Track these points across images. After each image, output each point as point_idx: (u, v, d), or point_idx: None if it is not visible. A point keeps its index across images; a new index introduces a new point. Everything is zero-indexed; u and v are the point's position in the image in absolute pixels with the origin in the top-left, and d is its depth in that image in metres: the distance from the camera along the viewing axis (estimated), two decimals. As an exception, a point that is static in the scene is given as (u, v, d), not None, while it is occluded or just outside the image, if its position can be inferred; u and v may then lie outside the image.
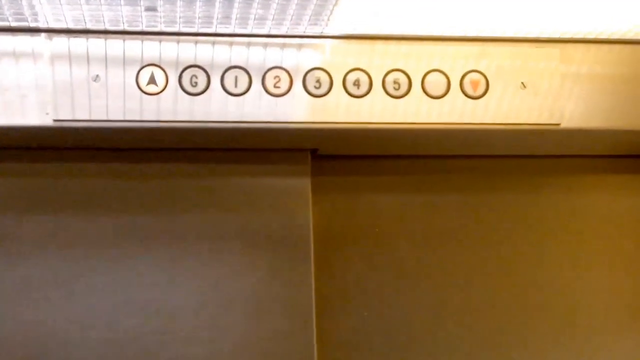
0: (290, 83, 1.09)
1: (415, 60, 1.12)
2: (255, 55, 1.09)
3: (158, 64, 1.07)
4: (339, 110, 1.10)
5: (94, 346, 1.12)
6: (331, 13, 1.05)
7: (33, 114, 1.06)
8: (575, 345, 1.25)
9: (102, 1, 0.99)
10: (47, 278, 1.13)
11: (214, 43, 1.08)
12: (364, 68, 1.11)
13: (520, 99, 1.13)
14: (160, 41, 1.07)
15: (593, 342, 1.25)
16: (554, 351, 1.25)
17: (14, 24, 1.04)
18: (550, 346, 1.25)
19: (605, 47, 1.16)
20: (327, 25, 1.08)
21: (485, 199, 1.27)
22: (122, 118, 1.06)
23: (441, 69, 1.12)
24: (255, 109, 1.09)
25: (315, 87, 1.10)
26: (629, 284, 1.28)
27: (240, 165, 1.19)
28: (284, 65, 1.09)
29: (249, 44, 1.09)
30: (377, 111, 1.11)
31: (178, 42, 1.07)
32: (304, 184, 1.19)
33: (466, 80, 1.12)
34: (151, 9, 1.01)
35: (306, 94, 1.10)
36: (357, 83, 1.10)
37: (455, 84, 1.12)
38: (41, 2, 1.00)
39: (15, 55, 1.05)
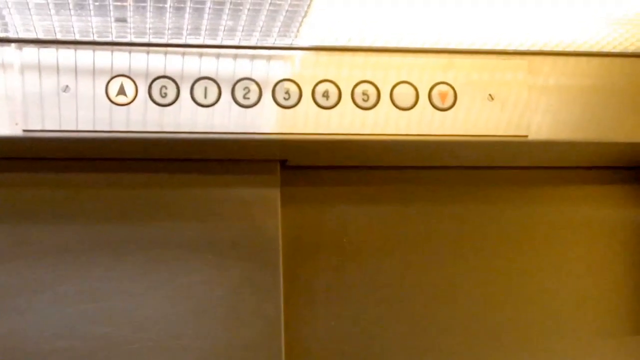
0: (259, 94, 1.09)
1: (383, 71, 1.12)
2: (225, 66, 1.09)
3: (128, 74, 1.07)
4: (308, 122, 1.10)
5: (63, 356, 1.11)
6: (300, 25, 1.05)
7: (2, 124, 1.05)
8: (554, 352, 1.27)
9: (72, 12, 0.99)
10: (15, 288, 1.13)
11: (183, 54, 1.08)
12: (333, 79, 1.11)
13: (488, 110, 1.14)
14: (130, 52, 1.07)
15: (574, 347, 1.28)
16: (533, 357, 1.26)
17: (-17, 35, 1.05)
18: (528, 353, 1.26)
19: (572, 59, 1.18)
20: (296, 36, 1.08)
21: (454, 210, 1.28)
22: (91, 128, 1.06)
23: (410, 80, 1.13)
24: (225, 120, 1.09)
25: (285, 98, 1.10)
26: (593, 290, 1.30)
27: (210, 175, 1.19)
28: (253, 77, 1.09)
29: (218, 55, 1.09)
30: (346, 122, 1.11)
31: (148, 52, 1.07)
32: (274, 194, 1.20)
33: (434, 92, 1.13)
34: (121, 19, 1.01)
35: (275, 105, 1.10)
36: (326, 94, 1.11)
37: (423, 96, 1.13)
38: (11, 12, 1.00)
39: (-15, 65, 1.06)
